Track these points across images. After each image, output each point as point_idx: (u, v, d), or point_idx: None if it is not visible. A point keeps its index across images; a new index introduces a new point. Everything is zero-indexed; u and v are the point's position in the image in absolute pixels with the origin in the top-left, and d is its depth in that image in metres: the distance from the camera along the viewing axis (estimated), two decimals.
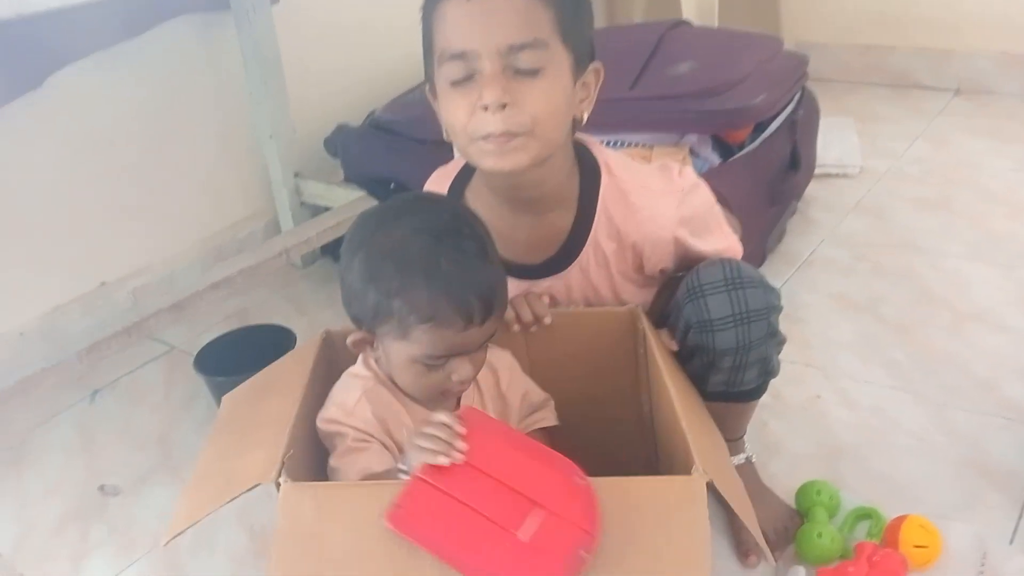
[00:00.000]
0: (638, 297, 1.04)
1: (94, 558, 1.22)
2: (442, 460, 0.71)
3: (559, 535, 0.68)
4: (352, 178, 1.91)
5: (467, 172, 1.04)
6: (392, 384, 0.89)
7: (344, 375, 0.93)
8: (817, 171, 2.08)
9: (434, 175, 1.09)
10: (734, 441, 1.12)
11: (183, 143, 1.85)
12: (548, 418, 1.01)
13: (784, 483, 1.20)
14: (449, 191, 1.04)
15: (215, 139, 1.92)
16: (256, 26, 1.74)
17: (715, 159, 1.64)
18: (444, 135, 0.95)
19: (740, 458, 1.13)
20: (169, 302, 1.55)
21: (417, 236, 0.82)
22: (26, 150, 1.60)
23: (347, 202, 1.85)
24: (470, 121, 0.88)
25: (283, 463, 0.75)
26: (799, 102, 1.84)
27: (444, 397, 0.89)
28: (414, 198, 0.92)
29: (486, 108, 0.86)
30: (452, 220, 0.85)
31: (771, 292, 0.96)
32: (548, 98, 0.87)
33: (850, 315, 1.62)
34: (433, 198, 0.93)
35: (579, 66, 0.91)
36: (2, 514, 1.32)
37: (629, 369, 1.09)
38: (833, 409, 1.37)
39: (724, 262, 0.95)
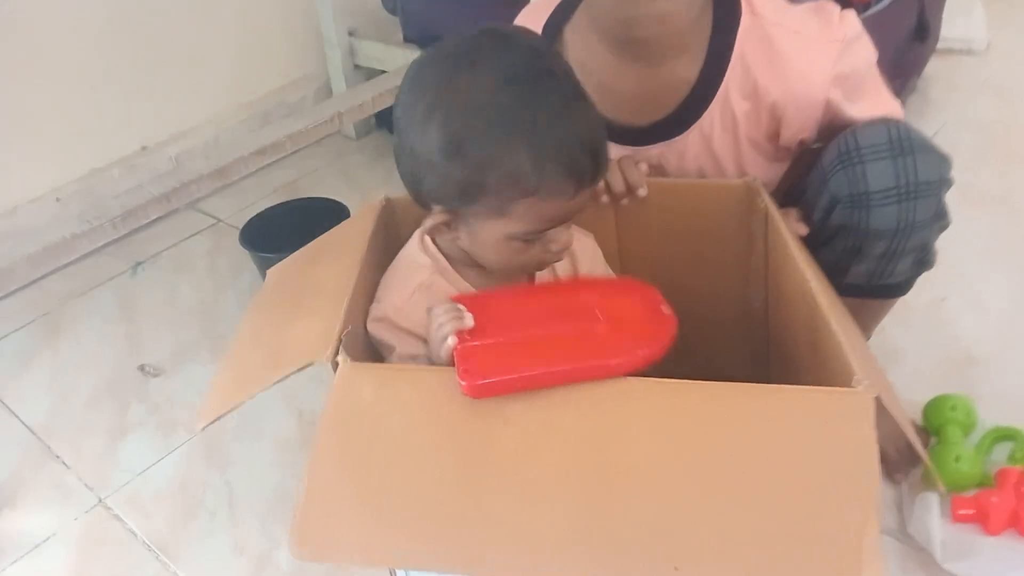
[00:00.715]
0: (766, 173, 0.86)
1: (132, 439, 1.13)
2: (464, 323, 0.63)
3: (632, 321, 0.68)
4: (412, 37, 1.72)
5: (569, 5, 0.85)
6: (452, 270, 0.74)
7: (399, 260, 0.78)
8: (938, 46, 1.82)
9: (526, 9, 0.90)
10: None
11: None
12: None
13: (904, 396, 1.02)
14: (544, 28, 0.86)
15: None
16: None
17: None
18: None
19: None
20: (212, 167, 1.41)
21: (506, 87, 0.64)
22: (65, 4, 1.45)
23: (406, 64, 1.66)
24: None
25: (340, 339, 0.63)
26: None
27: (534, 270, 0.76)
28: (482, 37, 0.69)
29: None
30: (537, 59, 0.66)
31: (944, 162, 0.77)
32: None
33: (979, 208, 1.41)
34: (503, 33, 0.70)
35: None
36: (35, 386, 1.24)
37: (740, 256, 0.92)
38: (960, 314, 1.19)
39: (889, 122, 0.76)
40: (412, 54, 1.68)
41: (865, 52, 0.81)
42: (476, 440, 0.58)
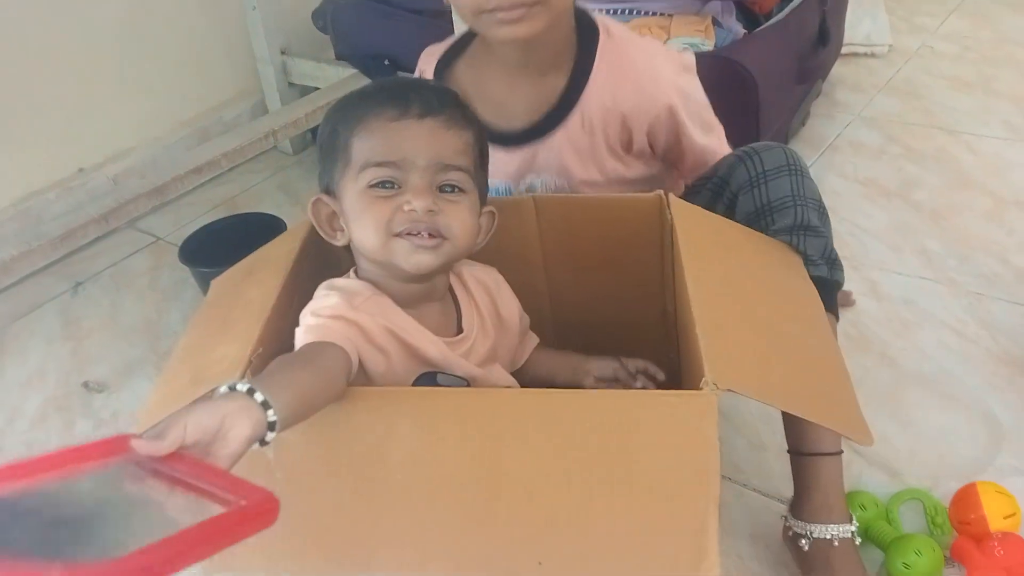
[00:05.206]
0: (623, 175, 0.99)
1: None
2: None
3: None
4: (343, 55, 1.77)
5: (462, 44, 0.98)
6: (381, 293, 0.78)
7: (332, 284, 0.79)
8: (843, 50, 1.94)
9: (424, 53, 1.03)
10: None
11: (163, 16, 1.71)
12: (533, 336, 0.94)
13: None
14: (436, 66, 0.98)
15: (197, 11, 1.77)
16: None
17: (740, 29, 1.50)
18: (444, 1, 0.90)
19: None
20: (150, 186, 1.45)
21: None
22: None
23: (338, 81, 1.72)
24: None
25: (250, 361, 0.68)
26: None
27: (409, 254, 0.73)
28: (394, 77, 0.85)
29: None
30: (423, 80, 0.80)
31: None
32: None
33: (880, 202, 1.52)
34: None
35: None
36: None
37: (653, 264, 0.99)
38: (861, 301, 1.29)
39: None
40: (343, 71, 1.73)
41: (699, 86, 0.97)
42: (368, 455, 0.64)
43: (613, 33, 0.94)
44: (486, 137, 0.82)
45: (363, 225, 0.74)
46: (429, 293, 0.79)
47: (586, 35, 0.93)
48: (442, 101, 0.76)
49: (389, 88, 0.77)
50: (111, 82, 1.67)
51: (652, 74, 0.93)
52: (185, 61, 1.78)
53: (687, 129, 0.95)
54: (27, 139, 1.57)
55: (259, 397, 0.54)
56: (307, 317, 0.73)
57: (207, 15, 1.79)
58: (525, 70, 0.94)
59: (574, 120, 0.94)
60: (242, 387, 0.54)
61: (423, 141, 0.73)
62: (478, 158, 0.79)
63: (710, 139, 0.98)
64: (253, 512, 0.46)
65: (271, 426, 0.54)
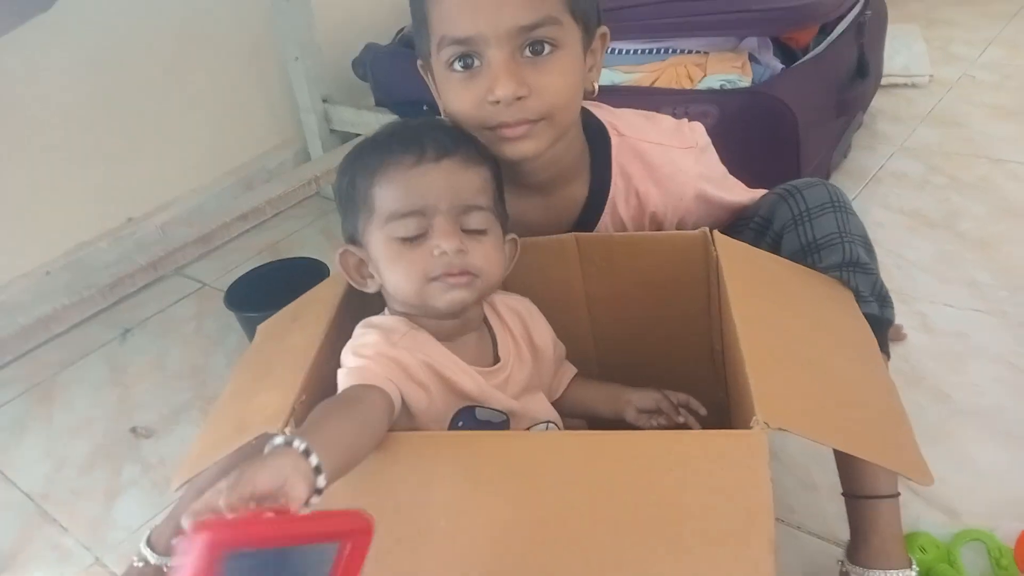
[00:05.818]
0: None
1: (126, 499, 1.18)
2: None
3: None
4: (383, 101, 1.81)
5: None
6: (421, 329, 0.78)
7: (368, 323, 0.80)
8: (883, 81, 1.93)
9: None
10: None
11: (207, 68, 1.76)
12: (570, 366, 0.94)
13: None
14: None
15: (240, 63, 1.82)
16: None
17: (777, 65, 1.50)
18: (442, 114, 0.86)
19: None
20: (197, 234, 1.48)
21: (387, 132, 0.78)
22: (45, 79, 1.53)
23: (378, 126, 1.75)
24: (478, 111, 0.79)
25: (293, 409, 0.68)
26: (866, 1, 1.68)
27: (443, 294, 0.74)
28: (403, 121, 0.83)
29: (498, 102, 0.77)
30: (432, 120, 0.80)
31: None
32: (564, 80, 0.79)
33: (925, 233, 1.49)
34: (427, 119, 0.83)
35: (588, 35, 0.82)
36: (31, 453, 1.28)
37: (700, 302, 0.97)
38: (911, 335, 1.26)
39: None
40: (383, 117, 1.76)
41: (716, 159, 0.95)
42: (411, 501, 0.63)
43: (623, 132, 0.92)
44: (501, 171, 0.82)
45: (397, 274, 0.75)
46: (464, 325, 0.80)
47: (597, 140, 0.91)
48: (455, 140, 0.76)
49: (401, 133, 0.77)
50: (157, 134, 1.72)
51: (672, 171, 0.91)
52: (229, 111, 1.83)
53: (715, 200, 0.94)
54: (78, 192, 1.62)
55: (314, 461, 0.54)
56: (348, 357, 0.73)
57: (250, 66, 1.84)
58: (537, 188, 0.90)
59: (603, 225, 0.93)
60: (299, 445, 0.54)
61: (443, 184, 0.74)
62: (496, 192, 0.80)
63: (735, 194, 0.96)
64: (359, 533, 0.50)
65: (318, 491, 0.54)
